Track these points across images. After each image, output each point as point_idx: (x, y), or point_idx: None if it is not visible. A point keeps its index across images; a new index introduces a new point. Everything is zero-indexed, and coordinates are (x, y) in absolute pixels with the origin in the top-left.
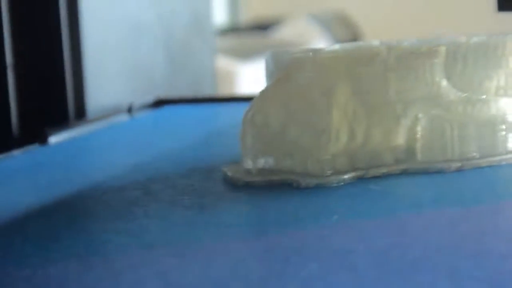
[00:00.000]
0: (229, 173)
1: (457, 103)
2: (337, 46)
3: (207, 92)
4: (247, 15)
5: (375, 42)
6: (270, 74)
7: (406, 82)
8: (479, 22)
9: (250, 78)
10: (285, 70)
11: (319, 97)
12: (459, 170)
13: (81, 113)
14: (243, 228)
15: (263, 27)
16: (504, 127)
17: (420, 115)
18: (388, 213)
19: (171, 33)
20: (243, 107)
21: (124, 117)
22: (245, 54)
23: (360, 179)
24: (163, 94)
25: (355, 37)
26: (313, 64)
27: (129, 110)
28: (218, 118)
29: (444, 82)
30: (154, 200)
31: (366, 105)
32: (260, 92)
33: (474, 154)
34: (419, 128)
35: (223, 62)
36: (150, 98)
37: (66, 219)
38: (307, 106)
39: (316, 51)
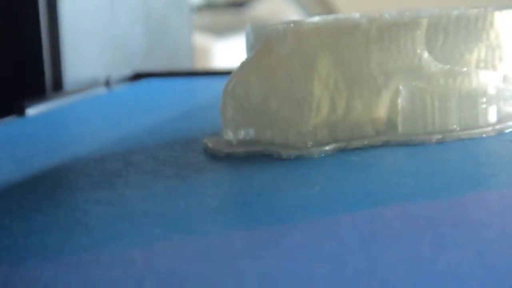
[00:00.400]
0: (210, 145)
1: (439, 76)
2: (318, 18)
3: (184, 67)
4: None
5: (356, 15)
6: (250, 47)
7: (387, 54)
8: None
9: (226, 54)
10: (266, 42)
11: (300, 68)
12: (440, 142)
13: (58, 86)
14: (225, 198)
15: (238, 4)
16: (484, 100)
17: (401, 87)
18: (369, 184)
19: (149, 7)
20: (222, 81)
21: (101, 90)
22: (220, 31)
23: (341, 151)
24: (141, 68)
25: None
26: (294, 35)
27: (107, 83)
28: (197, 92)
29: (426, 54)
30: (135, 171)
31: (347, 77)
32: (241, 64)
33: (455, 126)
34: (400, 100)
35: (199, 39)
36: (128, 71)
37: (47, 190)
38: (288, 77)
39: (297, 23)
